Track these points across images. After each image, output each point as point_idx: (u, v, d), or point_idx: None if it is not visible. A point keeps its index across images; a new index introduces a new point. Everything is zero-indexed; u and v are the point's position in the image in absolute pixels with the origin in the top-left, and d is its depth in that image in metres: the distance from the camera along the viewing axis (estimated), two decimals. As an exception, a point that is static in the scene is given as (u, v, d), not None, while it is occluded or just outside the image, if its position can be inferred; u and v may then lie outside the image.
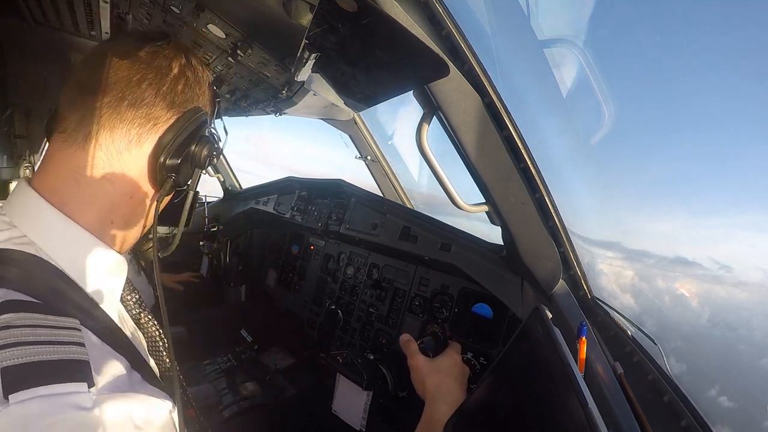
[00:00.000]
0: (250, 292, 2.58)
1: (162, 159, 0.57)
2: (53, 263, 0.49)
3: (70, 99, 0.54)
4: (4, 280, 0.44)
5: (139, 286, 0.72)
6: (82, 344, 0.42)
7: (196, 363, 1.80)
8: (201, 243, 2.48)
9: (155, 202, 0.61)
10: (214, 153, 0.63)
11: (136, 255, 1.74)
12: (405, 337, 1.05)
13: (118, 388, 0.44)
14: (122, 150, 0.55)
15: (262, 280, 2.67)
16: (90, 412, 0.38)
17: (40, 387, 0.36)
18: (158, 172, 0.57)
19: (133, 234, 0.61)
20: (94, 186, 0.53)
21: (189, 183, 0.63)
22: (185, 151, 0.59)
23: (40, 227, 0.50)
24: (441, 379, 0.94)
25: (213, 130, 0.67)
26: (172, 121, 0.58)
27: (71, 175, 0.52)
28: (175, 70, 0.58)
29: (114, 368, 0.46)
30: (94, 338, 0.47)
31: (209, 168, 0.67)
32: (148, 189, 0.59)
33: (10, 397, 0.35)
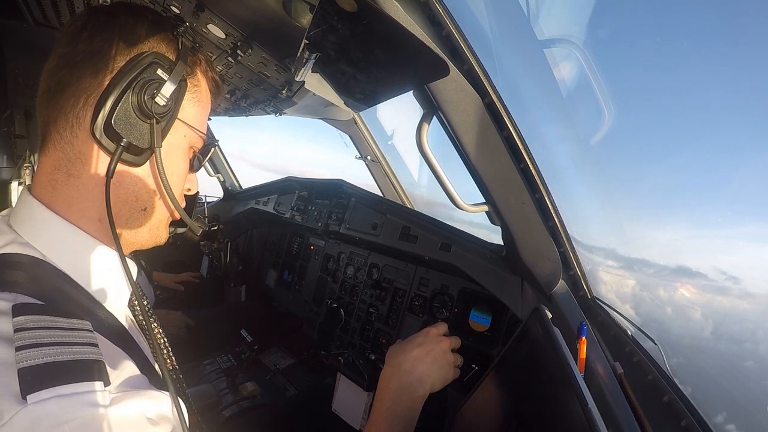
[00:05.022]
0: (250, 292, 2.58)
1: (98, 125, 0.50)
2: (55, 265, 0.49)
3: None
4: (14, 284, 0.44)
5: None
6: (95, 344, 0.42)
7: (196, 363, 1.81)
8: (201, 243, 2.47)
9: (139, 185, 0.56)
10: (156, 92, 0.52)
11: (135, 254, 1.74)
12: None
13: (131, 385, 0.45)
14: (71, 139, 0.51)
15: (262, 280, 2.67)
16: (107, 409, 0.39)
17: (58, 387, 0.37)
18: (101, 144, 0.51)
19: (135, 228, 0.58)
20: (68, 187, 0.52)
21: (153, 141, 0.53)
22: (120, 107, 0.51)
23: (37, 230, 0.50)
24: (399, 346, 0.88)
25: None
26: (105, 85, 0.51)
27: (48, 179, 0.52)
28: (84, 34, 0.51)
29: (125, 367, 0.46)
30: (104, 339, 0.47)
31: (204, 165, 0.63)
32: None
33: (28, 397, 0.35)
